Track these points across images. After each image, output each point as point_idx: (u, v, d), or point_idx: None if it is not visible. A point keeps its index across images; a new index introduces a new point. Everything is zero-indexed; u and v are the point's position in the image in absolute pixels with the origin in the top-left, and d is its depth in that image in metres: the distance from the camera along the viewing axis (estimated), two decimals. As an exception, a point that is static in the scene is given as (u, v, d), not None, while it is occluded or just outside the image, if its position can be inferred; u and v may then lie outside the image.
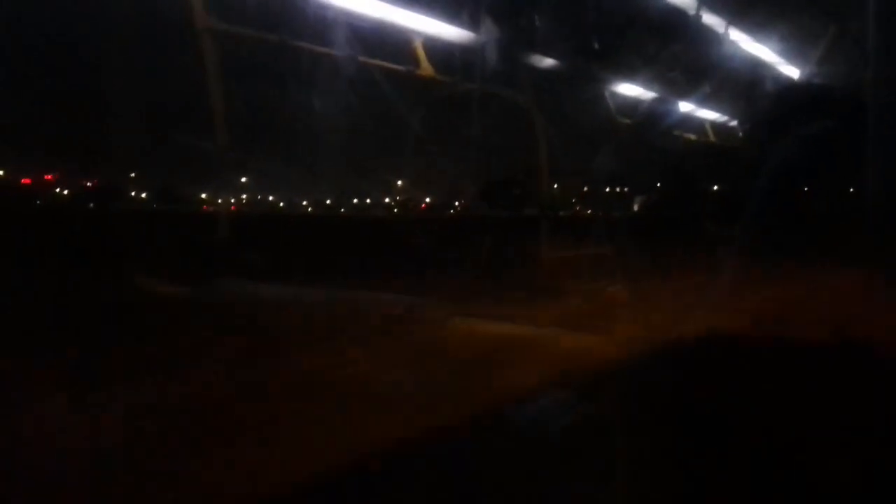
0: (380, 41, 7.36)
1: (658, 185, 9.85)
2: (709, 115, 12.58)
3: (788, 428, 2.74)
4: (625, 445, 2.61)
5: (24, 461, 2.01)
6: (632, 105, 10.51)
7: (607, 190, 11.81)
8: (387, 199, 12.54)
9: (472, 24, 7.92)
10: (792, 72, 12.47)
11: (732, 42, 10.86)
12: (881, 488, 2.36)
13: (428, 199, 13.16)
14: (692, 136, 12.29)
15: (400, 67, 7.76)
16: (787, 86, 11.86)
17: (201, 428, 2.36)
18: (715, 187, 11.57)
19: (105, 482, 1.93)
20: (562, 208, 12.20)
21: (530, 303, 4.53)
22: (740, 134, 13.09)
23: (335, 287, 4.87)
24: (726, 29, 10.62)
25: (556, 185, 12.32)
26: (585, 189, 12.30)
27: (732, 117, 13.03)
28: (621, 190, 11.96)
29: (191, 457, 2.11)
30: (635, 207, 11.32)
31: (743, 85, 11.55)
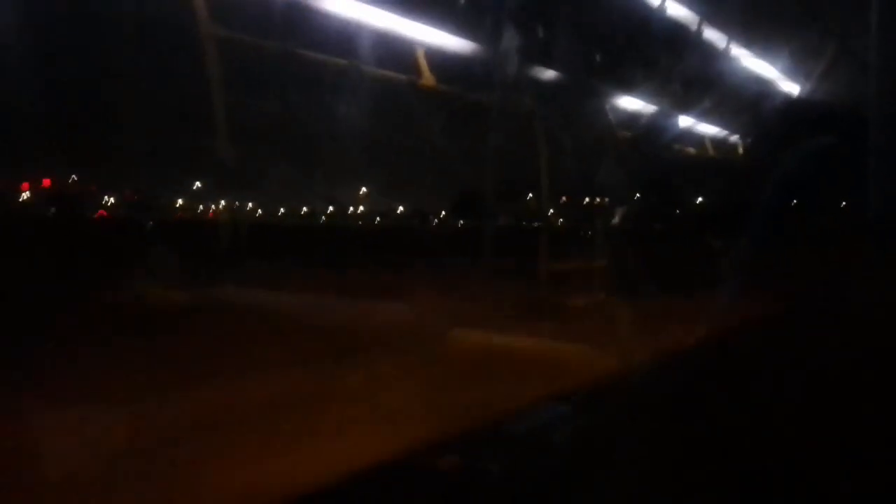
0: (383, 51, 7.38)
1: (639, 196, 9.81)
2: (709, 129, 12.61)
3: (788, 438, 2.73)
4: (624, 457, 2.59)
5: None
6: (632, 118, 10.52)
7: (586, 201, 11.73)
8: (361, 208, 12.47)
9: (475, 36, 7.95)
10: (792, 87, 12.53)
11: (734, 58, 10.90)
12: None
13: (402, 209, 13.06)
14: (691, 150, 12.31)
15: (402, 77, 7.77)
16: (789, 101, 11.91)
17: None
18: (699, 199, 11.52)
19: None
20: (538, 219, 12.05)
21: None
22: (740, 148, 13.12)
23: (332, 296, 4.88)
24: (728, 45, 10.67)
25: (531, 196, 12.20)
26: (564, 200, 12.17)
27: (733, 132, 13.08)
28: (601, 201, 11.89)
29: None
30: (616, 219, 11.27)
31: (744, 100, 11.59)
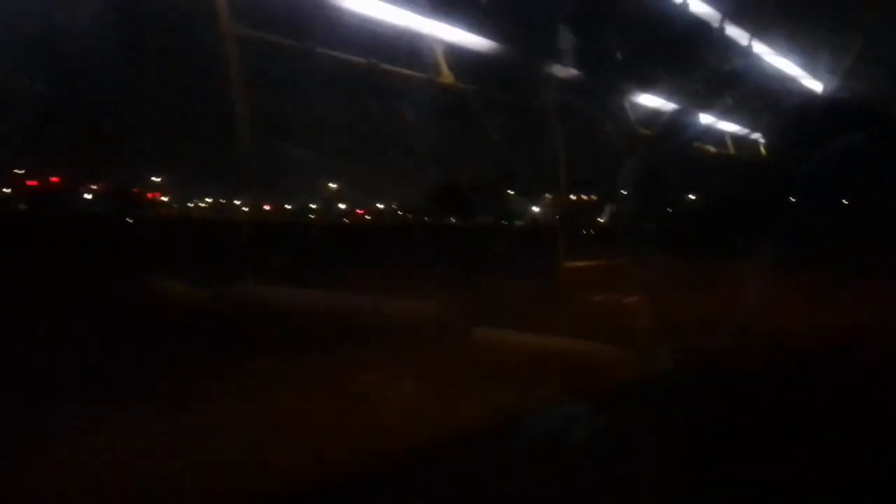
0: (400, 48, 7.37)
1: (632, 194, 9.58)
2: (730, 127, 12.47)
3: (807, 438, 2.70)
4: (642, 457, 2.57)
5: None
6: (652, 115, 10.41)
7: (573, 197, 11.45)
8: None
9: (493, 33, 7.92)
10: (815, 85, 12.35)
11: (756, 55, 10.77)
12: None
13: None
14: (711, 148, 12.18)
15: (420, 75, 7.77)
16: (812, 99, 11.75)
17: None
18: (692, 196, 11.26)
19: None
20: (521, 217, 11.70)
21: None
22: (762, 147, 12.97)
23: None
24: (750, 42, 10.54)
25: (512, 192, 11.92)
26: (549, 196, 11.85)
27: (754, 130, 12.92)
28: (589, 198, 11.66)
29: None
30: (605, 216, 11.06)
31: (766, 98, 11.45)
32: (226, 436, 2.38)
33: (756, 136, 13.05)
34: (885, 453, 2.65)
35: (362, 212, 12.13)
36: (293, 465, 2.14)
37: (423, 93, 7.65)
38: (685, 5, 8.86)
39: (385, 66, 7.09)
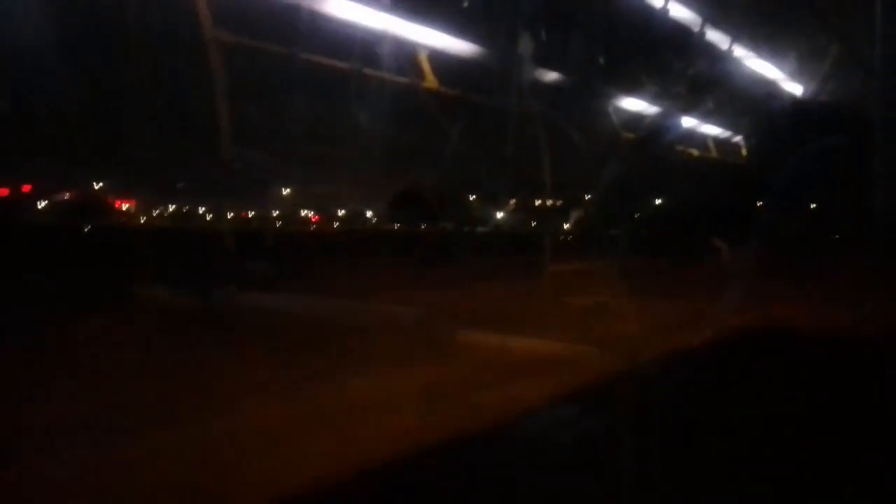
0: (384, 53, 7.35)
1: (597, 199, 9.51)
2: (712, 130, 12.59)
3: (794, 436, 2.73)
4: (629, 457, 2.59)
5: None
6: (635, 119, 10.45)
7: (538, 203, 11.26)
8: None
9: (478, 38, 7.93)
10: (796, 88, 12.51)
11: (737, 59, 10.89)
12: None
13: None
14: (694, 151, 12.28)
15: (404, 79, 7.75)
16: (792, 102, 11.90)
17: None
18: (658, 201, 11.25)
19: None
20: (482, 223, 11.45)
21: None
22: (744, 150, 13.11)
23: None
24: (731, 46, 10.65)
25: (473, 197, 11.72)
26: (513, 202, 11.63)
27: (736, 133, 13.06)
28: (554, 203, 11.55)
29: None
30: (570, 223, 10.98)
31: (747, 101, 11.57)
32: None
33: (737, 138, 13.20)
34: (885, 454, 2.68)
35: (317, 219, 11.94)
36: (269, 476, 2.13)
37: (394, 98, 7.60)
38: (665, 10, 8.93)
39: (367, 70, 7.06)
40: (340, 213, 12.40)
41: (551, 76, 8.71)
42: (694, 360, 3.94)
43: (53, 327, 3.82)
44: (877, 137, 6.30)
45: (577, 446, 2.62)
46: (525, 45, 7.65)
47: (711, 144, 12.43)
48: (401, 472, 2.14)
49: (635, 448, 2.59)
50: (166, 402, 2.75)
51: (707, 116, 11.39)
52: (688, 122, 11.32)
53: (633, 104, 10.32)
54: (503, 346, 3.82)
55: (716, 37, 10.28)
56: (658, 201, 11.13)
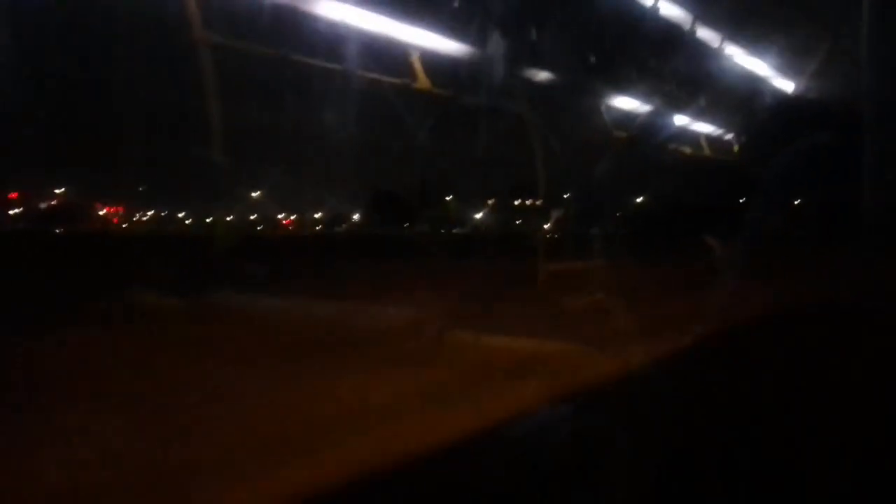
0: (377, 55, 7.35)
1: (576, 198, 9.46)
2: (704, 127, 12.63)
3: (792, 435, 2.74)
4: (623, 458, 2.59)
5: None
6: (626, 117, 10.47)
7: (517, 203, 11.11)
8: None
9: (469, 38, 7.93)
10: (787, 85, 12.56)
11: (728, 56, 10.93)
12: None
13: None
14: (686, 149, 12.30)
15: (396, 80, 7.75)
16: (783, 99, 11.94)
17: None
18: (639, 199, 11.21)
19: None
20: (460, 224, 11.23)
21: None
22: (736, 147, 13.16)
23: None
24: (722, 44, 10.69)
25: (450, 198, 11.54)
26: (491, 202, 11.45)
27: (728, 130, 13.11)
28: (533, 203, 11.41)
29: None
30: (550, 223, 10.85)
31: (738, 99, 11.62)
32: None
33: (729, 136, 13.25)
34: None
35: (289, 222, 11.77)
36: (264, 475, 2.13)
37: (371, 98, 7.51)
38: (656, 8, 8.96)
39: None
40: (318, 215, 12.24)
41: (536, 75, 8.68)
42: (686, 361, 3.96)
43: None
44: (865, 133, 6.33)
45: (570, 448, 2.62)
46: (497, 44, 7.63)
47: (704, 142, 12.47)
48: (385, 478, 2.14)
49: (630, 450, 2.59)
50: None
51: (698, 114, 11.42)
52: (679, 120, 11.36)
53: (624, 102, 10.35)
54: (493, 347, 3.82)
55: (706, 34, 10.33)
56: (639, 199, 11.06)
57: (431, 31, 7.66)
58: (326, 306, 4.35)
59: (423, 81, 7.91)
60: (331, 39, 6.66)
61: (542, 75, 8.34)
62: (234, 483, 1.99)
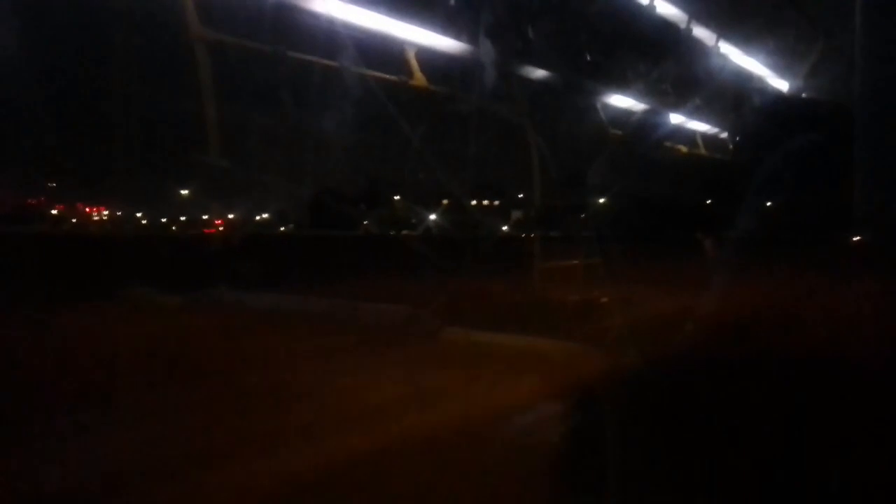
0: (371, 51, 7.30)
1: (540, 198, 9.24)
2: (698, 126, 12.64)
3: (783, 433, 2.76)
4: (619, 455, 2.61)
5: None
6: (623, 116, 10.46)
7: (473, 203, 10.63)
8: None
9: (466, 36, 7.90)
10: (781, 85, 12.59)
11: (722, 56, 10.95)
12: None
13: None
14: (682, 148, 12.30)
15: (392, 77, 7.71)
16: (777, 99, 11.98)
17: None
18: (602, 200, 11.03)
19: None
20: (407, 226, 11.07)
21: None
22: (730, 146, 13.18)
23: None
24: (716, 43, 10.70)
25: (398, 198, 11.08)
26: (445, 203, 10.92)
27: (722, 129, 13.13)
28: (491, 203, 11.10)
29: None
30: (509, 223, 10.54)
31: (732, 98, 11.64)
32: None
33: (724, 135, 13.26)
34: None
35: (220, 222, 11.32)
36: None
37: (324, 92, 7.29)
38: (652, 7, 8.97)
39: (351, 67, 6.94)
40: (264, 216, 11.74)
41: (530, 73, 8.63)
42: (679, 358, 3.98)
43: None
44: (857, 132, 6.36)
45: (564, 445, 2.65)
46: (485, 42, 7.58)
47: (700, 140, 12.48)
48: (381, 466, 2.16)
49: (623, 447, 2.62)
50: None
51: (693, 113, 11.44)
52: (675, 118, 11.38)
53: (619, 101, 10.35)
54: (489, 343, 3.85)
55: (702, 33, 10.34)
56: (603, 200, 10.74)
57: (430, 28, 7.64)
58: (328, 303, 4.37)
59: (419, 79, 7.89)
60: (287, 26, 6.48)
61: (535, 73, 8.32)
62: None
